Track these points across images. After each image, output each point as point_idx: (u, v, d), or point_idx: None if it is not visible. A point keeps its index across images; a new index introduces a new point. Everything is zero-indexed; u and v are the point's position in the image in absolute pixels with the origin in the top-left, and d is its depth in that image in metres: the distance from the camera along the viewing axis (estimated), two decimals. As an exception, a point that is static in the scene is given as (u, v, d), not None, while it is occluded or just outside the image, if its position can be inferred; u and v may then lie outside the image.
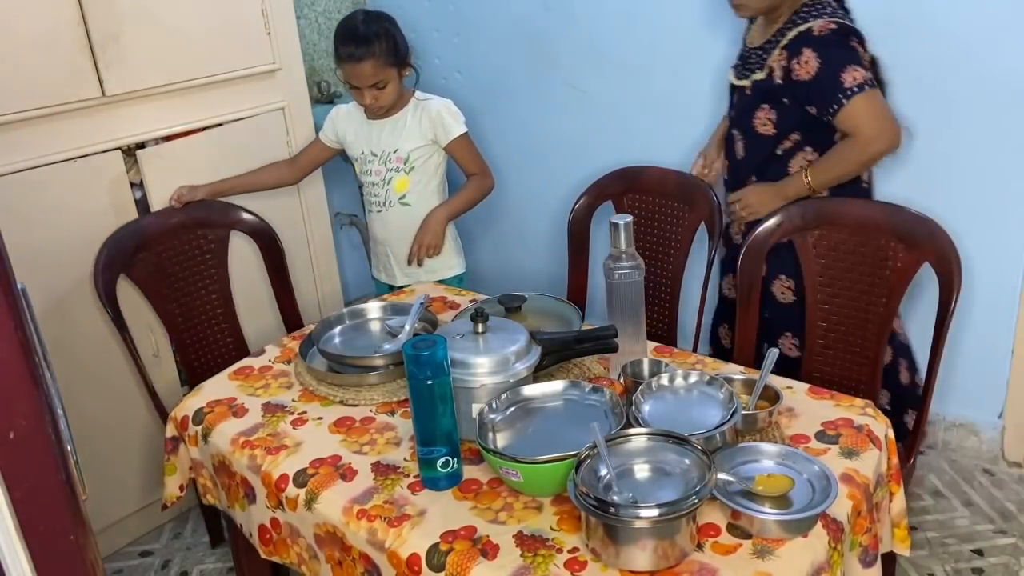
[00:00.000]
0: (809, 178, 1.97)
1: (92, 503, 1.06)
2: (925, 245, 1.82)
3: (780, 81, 1.96)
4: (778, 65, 1.96)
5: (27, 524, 0.84)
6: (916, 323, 2.22)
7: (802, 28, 1.93)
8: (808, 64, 1.91)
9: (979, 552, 2.05)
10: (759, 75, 2.02)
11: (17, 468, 0.83)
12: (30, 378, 0.86)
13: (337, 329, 1.89)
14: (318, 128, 2.53)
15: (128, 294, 2.10)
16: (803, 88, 1.93)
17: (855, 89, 1.88)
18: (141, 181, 2.17)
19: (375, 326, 1.91)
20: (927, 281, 1.86)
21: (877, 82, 1.95)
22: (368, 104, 2.18)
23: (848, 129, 1.92)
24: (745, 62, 2.11)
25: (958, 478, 2.32)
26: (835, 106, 1.90)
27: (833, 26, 1.92)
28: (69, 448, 0.92)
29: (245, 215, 2.24)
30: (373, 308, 1.94)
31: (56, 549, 0.89)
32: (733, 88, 2.16)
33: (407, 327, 1.77)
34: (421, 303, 1.84)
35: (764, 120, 2.03)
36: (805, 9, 1.96)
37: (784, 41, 1.95)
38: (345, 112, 2.31)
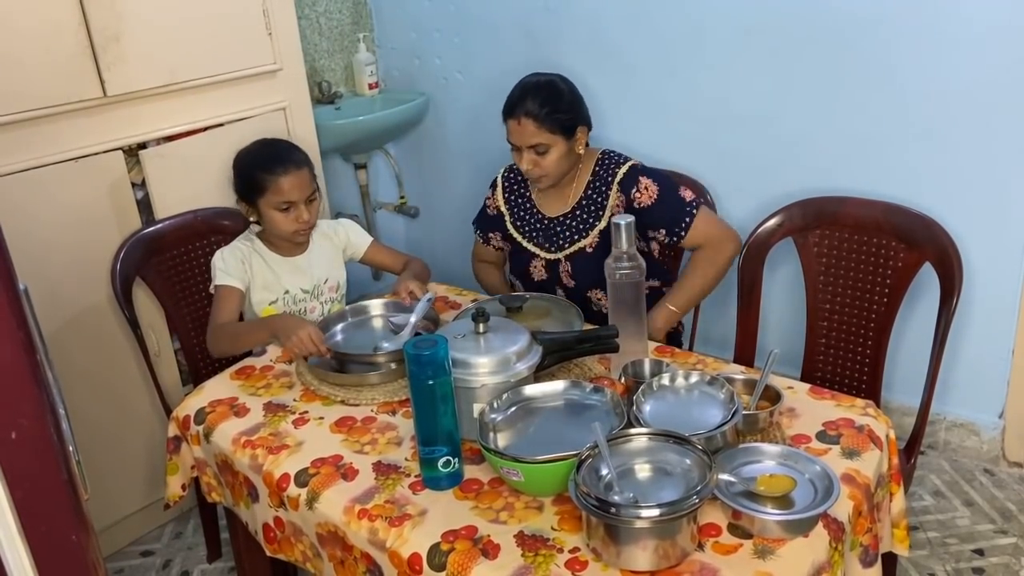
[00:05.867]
0: (673, 306, 1.95)
1: (93, 503, 1.06)
2: (925, 245, 1.83)
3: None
4: (619, 205, 2.00)
5: (28, 524, 0.84)
6: (916, 323, 2.22)
7: (625, 168, 2.01)
8: (648, 189, 1.98)
9: (980, 552, 2.05)
10: (600, 225, 2.01)
11: (19, 468, 0.83)
12: (32, 378, 0.86)
13: (339, 327, 1.90)
14: (319, 128, 2.54)
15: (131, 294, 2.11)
16: (649, 213, 1.97)
17: (696, 203, 1.99)
18: (143, 181, 2.18)
19: (377, 323, 1.92)
20: (927, 281, 1.87)
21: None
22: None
23: (699, 240, 1.98)
24: (556, 233, 2.08)
25: (958, 478, 2.32)
26: (687, 219, 1.97)
27: (643, 165, 2.03)
28: (71, 448, 0.92)
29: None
30: (375, 305, 1.95)
31: (57, 548, 0.90)
32: (552, 262, 2.09)
33: (412, 320, 1.79)
34: (428, 300, 1.86)
35: None
36: (608, 161, 2.03)
37: (616, 180, 2.00)
38: (240, 254, 1.98)
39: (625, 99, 2.59)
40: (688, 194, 2.00)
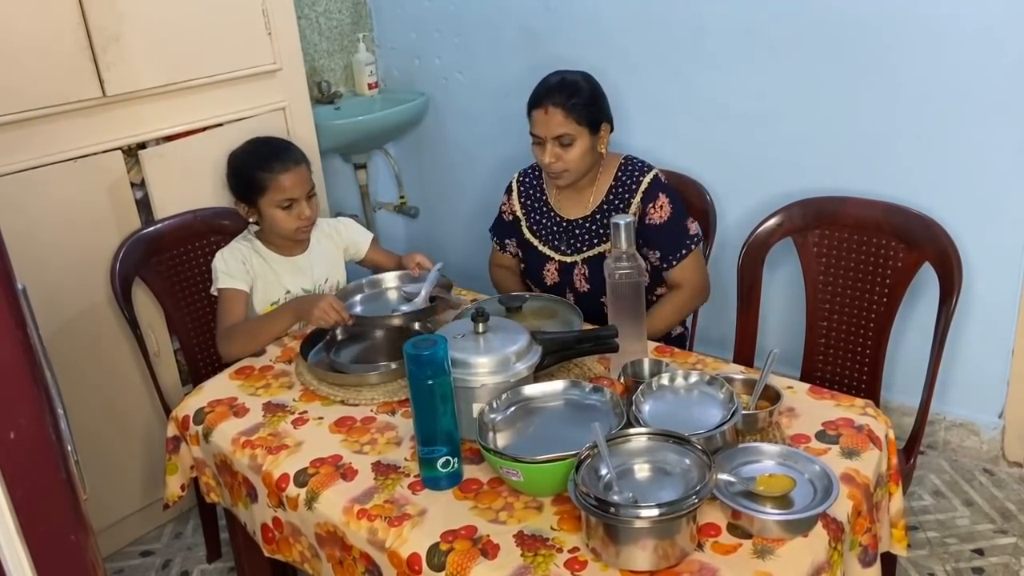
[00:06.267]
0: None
1: (93, 503, 1.06)
2: (925, 245, 1.83)
3: (636, 227, 1.92)
4: (637, 214, 1.99)
5: (27, 524, 0.84)
6: (916, 323, 2.22)
7: (650, 177, 2.01)
8: (663, 209, 1.98)
9: (979, 552, 2.05)
10: None
11: (18, 468, 0.83)
12: (31, 378, 0.86)
13: (357, 297, 1.98)
14: (319, 128, 2.53)
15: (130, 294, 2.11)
16: (653, 231, 1.98)
17: (696, 240, 2.01)
18: (142, 181, 2.18)
19: (392, 295, 2.01)
20: (927, 281, 1.87)
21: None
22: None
23: (681, 279, 2.00)
24: (575, 236, 2.07)
25: (958, 478, 2.32)
26: (684, 251, 1.99)
27: (665, 178, 2.04)
28: (70, 448, 0.92)
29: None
30: (390, 278, 2.03)
31: (56, 549, 0.89)
32: (568, 265, 2.09)
33: (424, 289, 1.87)
34: (438, 269, 1.91)
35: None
36: (631, 167, 2.03)
37: (641, 188, 2.00)
38: (241, 255, 1.98)
39: (626, 99, 2.59)
40: (693, 228, 2.02)
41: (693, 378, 1.45)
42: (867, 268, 1.91)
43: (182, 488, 1.75)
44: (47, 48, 1.92)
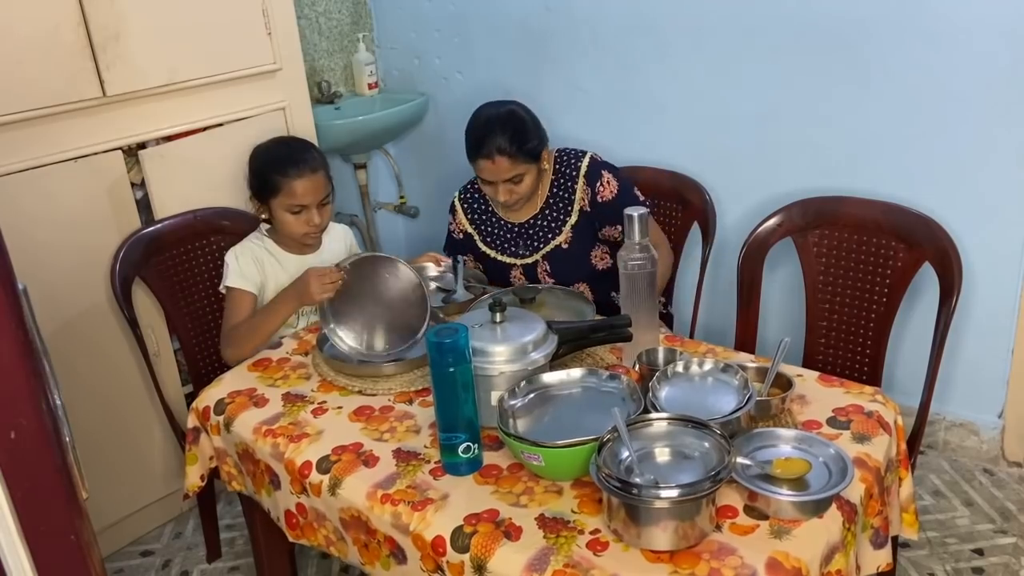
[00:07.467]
0: None
1: (93, 502, 1.06)
2: (925, 245, 1.83)
3: (589, 210, 2.03)
4: (585, 198, 2.03)
5: (28, 524, 0.84)
6: (916, 323, 2.22)
7: (587, 160, 2.05)
8: (610, 184, 2.03)
9: (979, 552, 2.05)
10: (571, 220, 2.05)
11: (18, 468, 0.83)
12: (31, 378, 0.86)
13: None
14: (319, 128, 2.53)
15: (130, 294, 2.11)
16: (609, 208, 2.01)
17: (648, 204, 2.07)
18: (142, 181, 2.18)
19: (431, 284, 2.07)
20: (927, 281, 1.87)
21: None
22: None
23: (654, 239, 1.97)
24: (529, 236, 2.10)
25: (958, 478, 2.32)
26: None
27: (600, 157, 2.09)
28: (70, 447, 0.92)
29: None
30: (422, 268, 2.08)
31: (57, 548, 0.90)
32: (530, 266, 2.11)
33: (459, 285, 1.96)
34: (461, 262, 2.00)
35: (601, 254, 2.10)
36: (565, 156, 2.07)
37: (581, 172, 2.03)
38: (252, 254, 2.00)
39: (625, 99, 2.59)
40: (640, 195, 2.06)
41: (707, 365, 1.48)
42: (867, 268, 1.91)
43: (202, 478, 1.77)
44: (47, 48, 1.92)
